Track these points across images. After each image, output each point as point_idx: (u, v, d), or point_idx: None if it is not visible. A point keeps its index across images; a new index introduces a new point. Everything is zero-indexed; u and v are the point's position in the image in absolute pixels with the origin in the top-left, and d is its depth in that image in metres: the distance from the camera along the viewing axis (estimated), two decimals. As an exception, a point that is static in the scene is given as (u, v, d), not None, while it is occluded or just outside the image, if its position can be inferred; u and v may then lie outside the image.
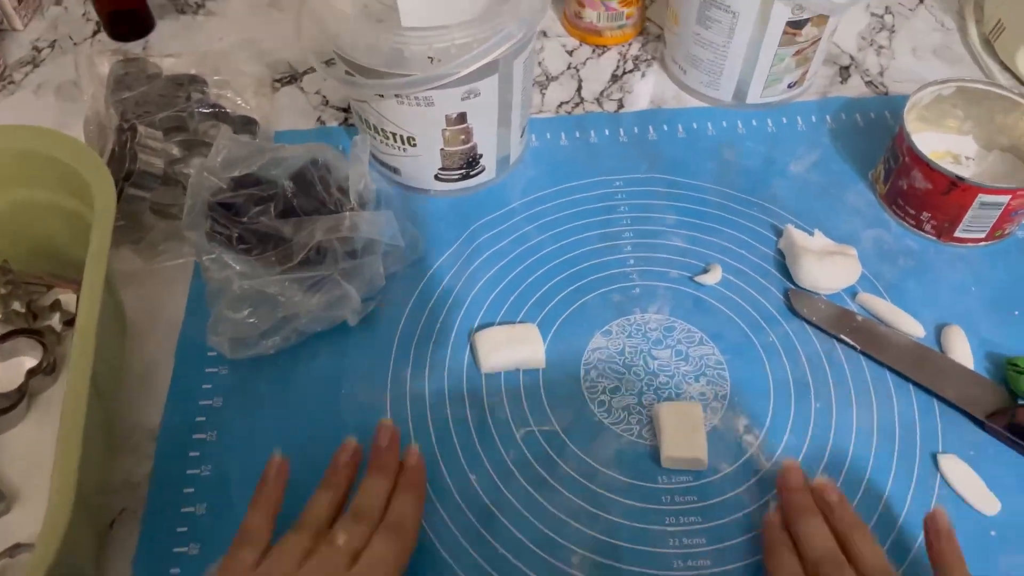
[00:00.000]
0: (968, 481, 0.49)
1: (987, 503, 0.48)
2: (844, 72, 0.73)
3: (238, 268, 0.50)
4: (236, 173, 0.53)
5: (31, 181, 0.51)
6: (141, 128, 0.59)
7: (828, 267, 0.56)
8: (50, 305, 0.51)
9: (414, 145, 0.58)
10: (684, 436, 0.49)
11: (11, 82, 0.72)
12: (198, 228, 0.52)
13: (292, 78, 0.72)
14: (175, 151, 0.61)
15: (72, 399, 0.40)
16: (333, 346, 0.54)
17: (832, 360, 0.54)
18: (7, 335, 0.48)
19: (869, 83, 0.72)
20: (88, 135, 0.62)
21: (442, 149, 0.59)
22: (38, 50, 0.75)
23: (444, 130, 0.57)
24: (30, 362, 0.49)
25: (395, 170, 0.62)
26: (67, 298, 0.52)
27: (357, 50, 0.53)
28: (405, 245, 0.57)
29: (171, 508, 0.48)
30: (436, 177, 0.61)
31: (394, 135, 0.58)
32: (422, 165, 0.60)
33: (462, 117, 0.56)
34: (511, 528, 0.47)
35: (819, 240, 0.59)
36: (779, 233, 0.61)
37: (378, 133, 0.59)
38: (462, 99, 0.54)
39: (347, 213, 0.52)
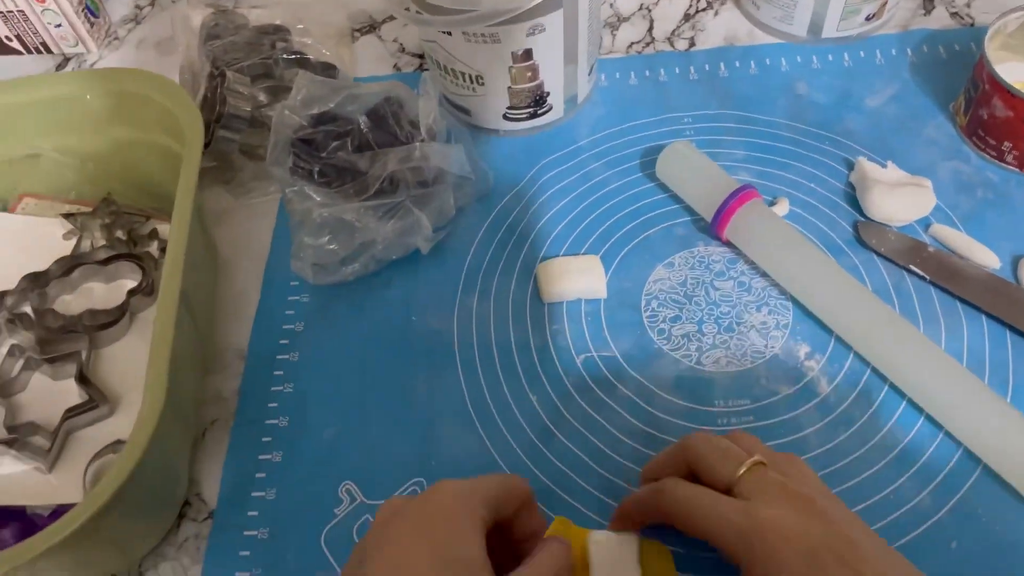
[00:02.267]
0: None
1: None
2: (928, 3, 0.70)
3: (318, 199, 0.54)
4: (315, 111, 0.56)
5: (132, 121, 0.56)
6: (230, 74, 0.63)
7: (899, 198, 0.55)
8: (148, 234, 0.55)
9: (482, 84, 0.60)
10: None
11: (116, 38, 0.77)
12: (281, 164, 0.55)
13: (371, 27, 0.75)
14: (261, 96, 0.65)
15: (162, 313, 0.44)
16: (406, 275, 0.57)
17: (900, 291, 0.54)
18: (111, 259, 0.53)
19: (955, 14, 0.69)
20: (183, 82, 0.66)
21: (509, 87, 0.60)
22: (140, 8, 0.80)
23: (511, 67, 0.58)
24: (131, 284, 0.53)
25: (465, 111, 0.64)
26: (163, 228, 0.56)
27: (426, -12, 0.55)
28: (475, 179, 0.59)
29: (257, 420, 0.52)
30: (504, 116, 0.63)
31: (463, 74, 0.60)
32: (490, 104, 0.62)
33: (528, 54, 0.57)
34: (569, 445, 0.49)
35: (892, 172, 0.58)
36: (851, 166, 0.60)
37: (448, 73, 0.61)
38: (527, 35, 0.56)
39: (417, 144, 0.54)
